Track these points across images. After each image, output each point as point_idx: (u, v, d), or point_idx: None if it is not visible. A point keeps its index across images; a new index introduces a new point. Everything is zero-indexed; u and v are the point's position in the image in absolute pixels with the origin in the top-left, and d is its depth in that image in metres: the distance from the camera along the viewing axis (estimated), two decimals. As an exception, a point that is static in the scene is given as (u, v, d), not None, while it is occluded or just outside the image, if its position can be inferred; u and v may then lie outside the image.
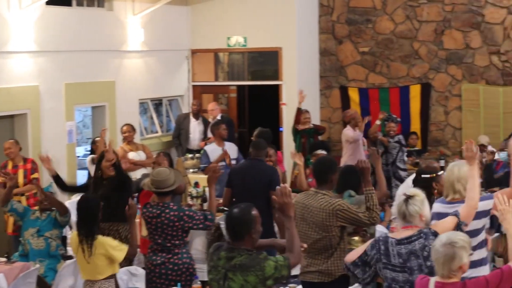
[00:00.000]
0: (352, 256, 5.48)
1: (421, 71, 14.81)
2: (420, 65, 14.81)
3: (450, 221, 5.36)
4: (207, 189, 7.87)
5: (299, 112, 12.43)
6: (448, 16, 14.57)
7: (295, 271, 6.40)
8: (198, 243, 9.02)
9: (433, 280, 4.76)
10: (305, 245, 5.58)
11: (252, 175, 8.65)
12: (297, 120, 12.45)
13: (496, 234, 8.09)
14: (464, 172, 5.89)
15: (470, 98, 14.46)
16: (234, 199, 8.57)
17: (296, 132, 12.50)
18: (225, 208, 8.47)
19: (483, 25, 14.38)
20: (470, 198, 5.61)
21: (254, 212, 4.91)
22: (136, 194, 9.00)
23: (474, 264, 4.74)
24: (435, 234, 5.12)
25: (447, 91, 14.70)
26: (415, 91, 14.81)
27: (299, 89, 12.96)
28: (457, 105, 14.64)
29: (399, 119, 13.28)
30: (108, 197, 7.90)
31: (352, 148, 12.46)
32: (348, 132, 12.54)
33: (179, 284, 6.72)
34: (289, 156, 11.88)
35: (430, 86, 14.74)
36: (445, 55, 14.64)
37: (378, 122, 12.62)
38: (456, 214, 5.44)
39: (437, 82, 14.73)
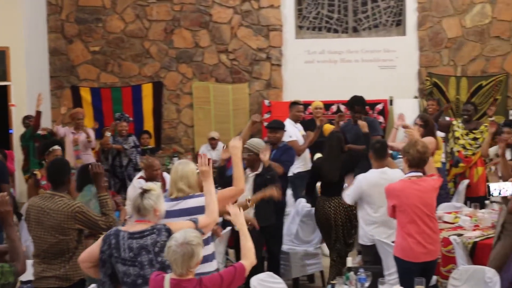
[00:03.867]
0: (84, 256, 5.38)
1: (152, 70, 14.92)
2: (151, 64, 14.92)
3: (187, 225, 5.34)
4: None
5: (38, 115, 11.99)
6: (177, 15, 14.82)
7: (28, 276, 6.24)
8: None
9: (168, 277, 4.79)
10: None
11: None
12: (36, 124, 12.03)
13: (228, 228, 8.34)
14: (187, 171, 6.11)
15: (201, 95, 14.80)
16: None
17: (30, 136, 12.07)
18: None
19: (211, 25, 14.79)
20: (210, 212, 5.71)
21: None
22: None
23: (202, 261, 4.88)
24: (168, 231, 5.18)
25: (178, 89, 14.94)
26: (147, 90, 14.88)
27: (39, 93, 12.49)
28: (189, 103, 14.93)
29: (131, 119, 13.25)
30: None
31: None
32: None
33: None
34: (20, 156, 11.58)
35: (162, 84, 14.90)
36: (176, 54, 14.87)
37: (108, 134, 12.40)
38: (195, 221, 5.46)
39: (169, 80, 14.92)
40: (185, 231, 4.86)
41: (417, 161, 6.89)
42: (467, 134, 11.04)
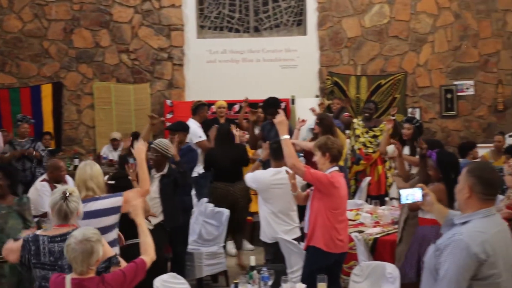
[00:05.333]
0: (5, 253, 5.34)
1: (52, 70, 14.64)
2: (50, 64, 14.63)
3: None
4: None
5: None
6: (77, 15, 14.58)
7: None
8: None
9: (68, 277, 4.73)
10: None
11: None
12: None
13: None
14: (96, 171, 6.20)
15: (102, 96, 14.61)
16: None
17: None
18: None
19: (112, 24, 14.61)
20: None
21: None
22: None
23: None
24: None
25: (79, 89, 14.70)
26: (46, 91, 14.58)
27: None
28: (89, 103, 14.71)
29: (32, 120, 12.98)
30: None
31: None
32: None
33: None
34: None
35: (62, 85, 14.63)
36: (76, 53, 14.63)
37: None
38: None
39: (69, 81, 14.66)
40: (85, 228, 4.82)
41: (337, 155, 7.03)
42: (367, 132, 11.21)
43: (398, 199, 4.76)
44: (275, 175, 8.12)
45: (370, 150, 11.12)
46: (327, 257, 6.91)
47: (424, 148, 7.49)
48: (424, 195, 4.73)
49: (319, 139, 7.21)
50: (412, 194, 4.69)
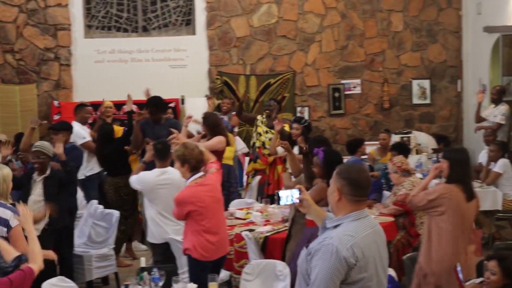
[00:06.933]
0: None
1: None
2: None
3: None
4: None
5: None
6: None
7: None
8: None
9: None
10: None
11: None
12: None
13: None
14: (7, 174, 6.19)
15: (-14, 97, 14.22)
16: None
17: None
18: None
19: (-4, 24, 14.24)
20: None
21: None
22: None
23: None
24: None
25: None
26: None
27: None
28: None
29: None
30: None
31: None
32: None
33: None
34: None
35: None
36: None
37: None
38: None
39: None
40: None
41: (196, 164, 7.07)
42: (266, 132, 11.17)
43: (278, 200, 4.75)
44: (160, 175, 8.19)
45: (267, 152, 11.05)
46: (202, 264, 6.99)
47: (305, 147, 7.59)
48: (300, 200, 4.69)
49: (177, 149, 7.23)
50: (291, 196, 4.68)
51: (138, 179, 8.34)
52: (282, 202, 4.73)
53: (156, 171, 8.27)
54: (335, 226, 4.28)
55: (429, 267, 6.56)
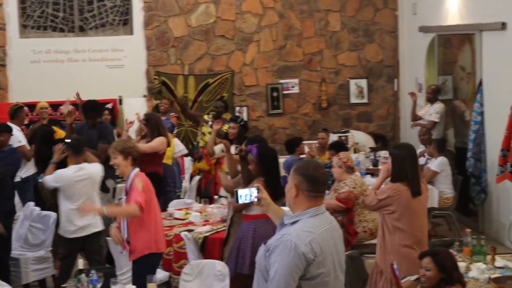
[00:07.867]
0: None
1: None
2: None
3: None
4: None
5: None
6: None
7: None
8: None
9: None
10: None
11: None
12: None
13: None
14: None
15: None
16: None
17: None
18: None
19: None
20: None
21: None
22: None
23: None
24: None
25: None
26: None
27: None
28: None
29: None
30: None
31: None
32: None
33: None
34: None
35: None
36: None
37: None
38: None
39: None
40: None
41: (138, 157, 7.23)
42: (210, 133, 11.09)
43: (236, 198, 4.73)
44: (78, 171, 8.36)
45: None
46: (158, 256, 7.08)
47: (243, 150, 7.61)
48: (259, 198, 4.70)
49: (117, 142, 7.38)
50: (249, 194, 4.69)
51: (55, 177, 8.41)
52: (240, 201, 4.73)
53: (73, 167, 8.41)
54: (293, 223, 4.30)
55: (384, 264, 6.66)
